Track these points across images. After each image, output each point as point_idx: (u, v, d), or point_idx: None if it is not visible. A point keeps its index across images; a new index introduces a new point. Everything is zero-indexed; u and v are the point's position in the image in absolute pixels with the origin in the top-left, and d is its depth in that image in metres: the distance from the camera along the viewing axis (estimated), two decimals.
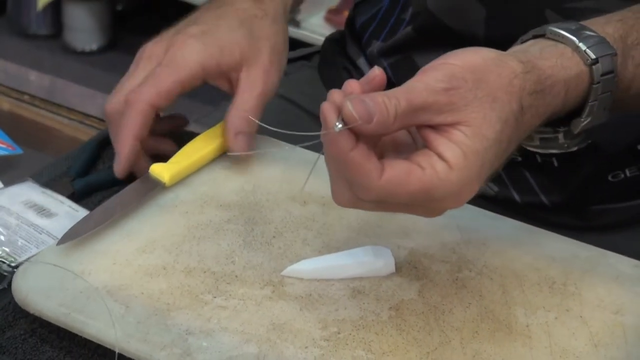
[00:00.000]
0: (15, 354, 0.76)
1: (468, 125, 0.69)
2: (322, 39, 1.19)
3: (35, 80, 1.49)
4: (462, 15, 0.96)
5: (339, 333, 0.75)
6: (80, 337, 0.75)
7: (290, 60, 1.18)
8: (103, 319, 0.75)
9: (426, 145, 0.69)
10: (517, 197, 1.00)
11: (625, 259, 0.84)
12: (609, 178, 0.99)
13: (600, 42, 0.76)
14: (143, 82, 0.88)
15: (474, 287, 0.80)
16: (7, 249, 0.82)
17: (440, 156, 0.68)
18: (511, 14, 0.94)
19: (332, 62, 1.11)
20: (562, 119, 0.77)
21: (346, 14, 1.16)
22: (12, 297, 0.78)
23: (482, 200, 0.91)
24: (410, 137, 0.72)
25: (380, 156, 0.70)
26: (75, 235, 0.81)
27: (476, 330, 0.76)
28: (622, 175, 0.99)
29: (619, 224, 1.01)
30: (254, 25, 0.91)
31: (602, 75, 0.75)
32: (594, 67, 0.75)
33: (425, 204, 0.70)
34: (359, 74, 1.07)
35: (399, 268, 0.81)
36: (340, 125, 0.67)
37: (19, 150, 0.99)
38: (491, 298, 0.79)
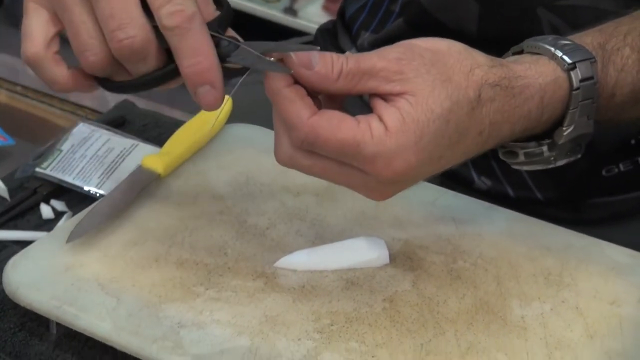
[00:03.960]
0: (4, 347, 0.75)
1: (413, 95, 0.69)
2: None
3: (29, 71, 1.48)
4: (455, 11, 0.95)
5: (332, 325, 0.74)
6: (70, 329, 0.75)
7: None
8: (94, 311, 0.74)
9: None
10: (510, 191, 0.99)
11: (621, 249, 0.83)
12: (603, 173, 0.98)
13: (576, 49, 0.75)
14: None
15: (469, 278, 0.79)
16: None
17: (380, 118, 0.69)
18: (504, 11, 0.93)
19: None
20: (546, 133, 0.76)
21: None
22: (1, 290, 0.77)
23: (474, 194, 0.90)
24: None
25: None
26: (82, 232, 0.80)
27: (471, 321, 0.76)
28: (616, 170, 0.98)
29: (614, 216, 1.00)
30: None
31: (582, 81, 0.74)
32: (572, 72, 0.74)
33: (355, 161, 0.69)
34: None
35: (393, 259, 0.80)
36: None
37: (11, 142, 0.99)
38: (486, 289, 0.78)
